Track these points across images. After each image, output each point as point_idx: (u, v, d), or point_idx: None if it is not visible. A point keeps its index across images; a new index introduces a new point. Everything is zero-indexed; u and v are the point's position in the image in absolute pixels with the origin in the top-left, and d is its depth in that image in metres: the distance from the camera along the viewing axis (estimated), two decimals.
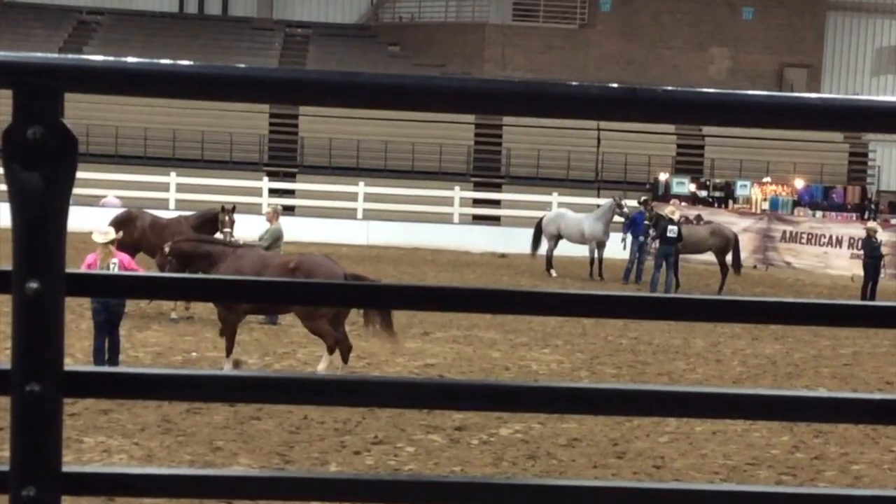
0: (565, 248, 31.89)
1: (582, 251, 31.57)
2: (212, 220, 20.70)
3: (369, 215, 41.03)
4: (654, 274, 27.43)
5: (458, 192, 42.44)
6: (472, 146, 45.71)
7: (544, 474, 11.03)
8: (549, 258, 31.11)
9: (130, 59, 2.10)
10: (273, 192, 41.40)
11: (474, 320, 20.20)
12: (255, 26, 52.11)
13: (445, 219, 41.79)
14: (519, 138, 44.71)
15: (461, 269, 31.66)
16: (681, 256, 28.36)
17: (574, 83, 2.11)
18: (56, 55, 2.07)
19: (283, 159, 44.92)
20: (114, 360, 14.27)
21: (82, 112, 36.46)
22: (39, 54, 2.07)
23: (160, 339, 17.07)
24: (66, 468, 2.04)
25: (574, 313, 2.37)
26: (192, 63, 2.13)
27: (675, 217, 28.38)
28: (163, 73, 2.12)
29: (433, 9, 52.87)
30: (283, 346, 17.46)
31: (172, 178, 40.59)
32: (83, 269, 13.95)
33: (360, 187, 41.61)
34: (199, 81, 2.13)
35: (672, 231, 27.16)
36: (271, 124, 45.22)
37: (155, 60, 2.11)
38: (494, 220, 42.75)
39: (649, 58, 50.07)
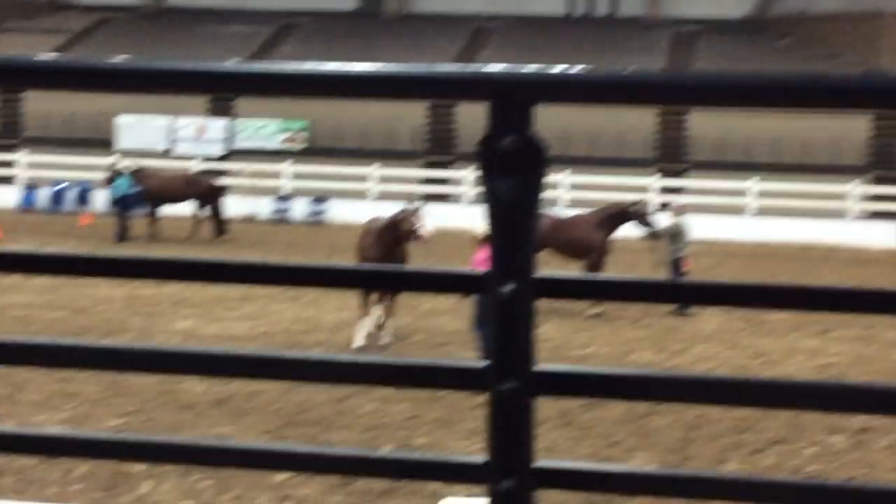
0: None
1: None
2: (615, 216, 20.77)
3: (761, 212, 40.11)
4: None
5: (854, 187, 40.73)
6: (870, 138, 43.72)
7: None
8: None
9: (598, 72, 2.16)
10: (663, 189, 41.26)
11: (876, 318, 19.33)
12: (643, 25, 52.04)
13: (841, 214, 40.22)
14: None
15: (858, 268, 30.36)
16: None
17: None
18: (531, 68, 2.16)
19: (672, 156, 44.65)
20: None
21: None
22: (512, 67, 2.16)
23: (557, 334, 17.37)
24: (538, 463, 2.13)
25: None
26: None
27: None
28: (625, 83, 2.18)
29: None
30: (677, 342, 17.37)
31: (565, 177, 41.22)
32: (474, 266, 14.54)
33: (752, 183, 40.74)
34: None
35: None
36: (659, 122, 45.05)
37: (621, 72, 2.17)
38: (894, 216, 40.70)
39: None
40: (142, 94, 2.42)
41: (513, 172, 2.11)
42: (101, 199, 37.74)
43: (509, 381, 2.10)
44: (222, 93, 2.30)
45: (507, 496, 2.07)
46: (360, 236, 16.59)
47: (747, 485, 2.19)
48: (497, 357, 2.12)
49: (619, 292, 2.37)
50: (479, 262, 14.73)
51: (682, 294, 2.40)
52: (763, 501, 2.14)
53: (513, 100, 2.13)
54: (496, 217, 2.13)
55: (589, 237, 20.40)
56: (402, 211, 16.31)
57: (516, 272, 2.11)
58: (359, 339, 15.82)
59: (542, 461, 2.12)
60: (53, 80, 2.46)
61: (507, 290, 2.11)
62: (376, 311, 16.09)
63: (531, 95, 2.14)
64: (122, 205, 30.58)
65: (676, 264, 20.56)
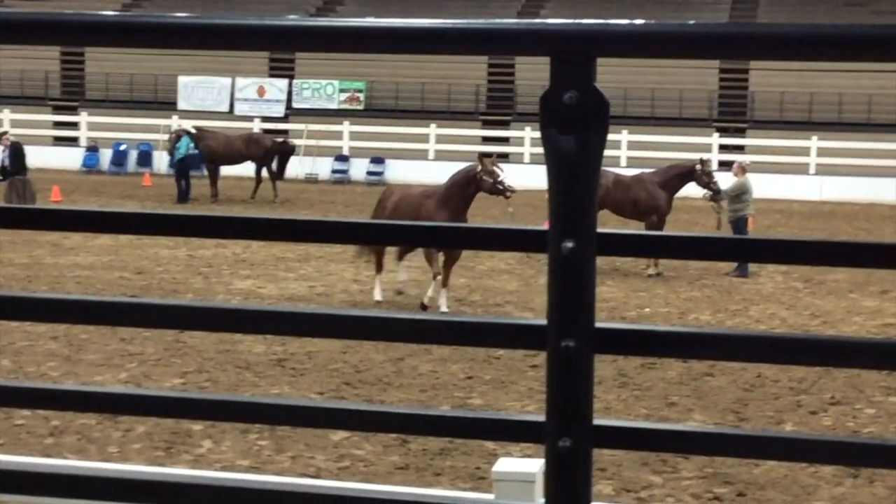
0: None
1: None
2: (679, 176, 20.56)
3: (822, 170, 39.64)
4: None
5: None
6: None
7: None
8: None
9: (658, 24, 2.12)
10: (723, 147, 40.86)
11: None
12: None
13: None
14: None
15: None
16: None
17: None
18: (591, 22, 2.12)
19: (733, 114, 44.16)
20: None
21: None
22: (573, 21, 2.13)
23: (614, 295, 17.32)
24: (597, 421, 2.11)
25: None
26: (702, 23, 2.13)
27: None
28: (688, 35, 2.14)
29: None
30: (735, 302, 17.26)
31: (623, 136, 40.94)
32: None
33: (813, 141, 40.24)
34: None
35: None
36: (721, 79, 44.54)
37: (681, 23, 2.13)
38: None
39: None
40: (203, 49, 2.40)
41: (574, 128, 2.08)
42: (162, 161, 38.02)
43: (569, 339, 2.08)
44: (283, 49, 2.29)
45: (565, 454, 2.05)
46: (392, 204, 16.27)
47: (799, 443, 2.16)
48: (557, 315, 2.10)
49: (680, 250, 2.34)
50: None
51: (741, 252, 2.37)
52: (816, 461, 2.12)
53: (573, 54, 2.10)
54: (557, 173, 2.10)
55: (652, 196, 20.21)
56: (475, 165, 16.00)
57: (577, 229, 2.09)
58: (377, 294, 16.14)
59: (599, 419, 2.10)
60: (115, 37, 2.44)
61: (567, 248, 2.08)
62: (402, 267, 16.31)
63: (592, 49, 2.11)
64: (184, 166, 30.76)
65: (739, 224, 20.36)
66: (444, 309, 15.36)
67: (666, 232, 2.14)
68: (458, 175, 16.01)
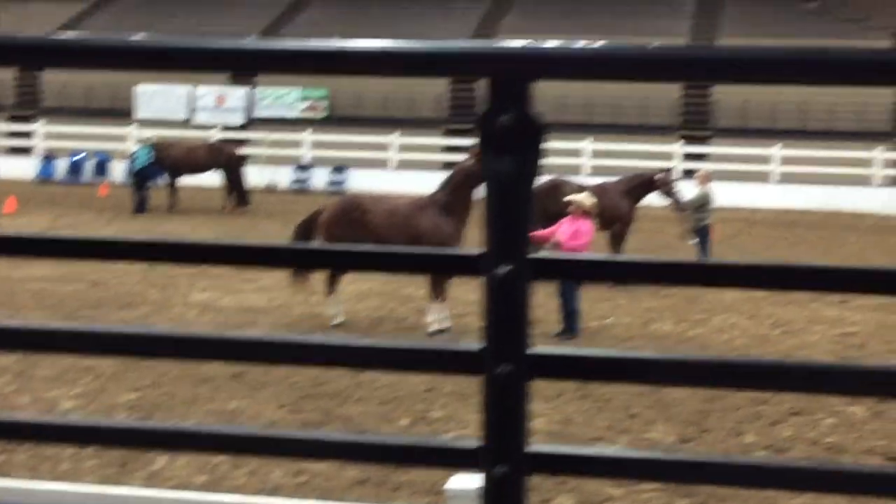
0: None
1: None
2: (642, 185, 20.66)
3: (786, 178, 39.89)
4: None
5: (879, 153, 40.43)
6: (894, 104, 43.37)
7: None
8: None
9: (596, 45, 2.10)
10: (687, 156, 41.04)
11: None
12: None
13: (866, 181, 39.97)
14: None
15: (884, 235, 30.18)
16: None
17: None
18: (526, 43, 2.09)
19: (696, 123, 44.39)
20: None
21: None
22: (510, 44, 2.10)
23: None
24: (532, 448, 2.08)
25: None
26: (638, 46, 2.10)
27: None
28: (625, 58, 2.11)
29: None
30: (697, 312, 17.30)
31: (587, 145, 41.04)
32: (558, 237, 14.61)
33: (777, 150, 40.49)
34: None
35: None
36: (684, 88, 44.78)
37: (619, 45, 2.10)
38: None
39: None
40: (159, 71, 2.38)
41: (509, 150, 2.06)
42: (119, 170, 37.75)
43: (504, 364, 2.05)
44: (233, 71, 2.27)
45: (500, 481, 2.02)
46: (372, 219, 15.17)
47: (740, 468, 2.14)
48: (492, 340, 2.06)
49: (616, 272, 2.31)
50: (562, 234, 14.71)
51: (679, 275, 2.34)
52: (755, 486, 2.10)
53: (510, 77, 2.07)
54: (492, 196, 2.07)
55: (615, 205, 20.26)
56: (471, 160, 14.91)
57: (511, 253, 2.06)
58: (338, 315, 15.32)
59: (535, 446, 2.07)
60: (68, 60, 2.41)
61: (502, 271, 2.05)
62: (332, 299, 15.37)
63: (528, 72, 2.08)
64: (141, 176, 30.54)
65: (702, 233, 20.46)
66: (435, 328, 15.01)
67: (600, 255, 2.11)
68: (457, 176, 14.89)
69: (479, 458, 2.07)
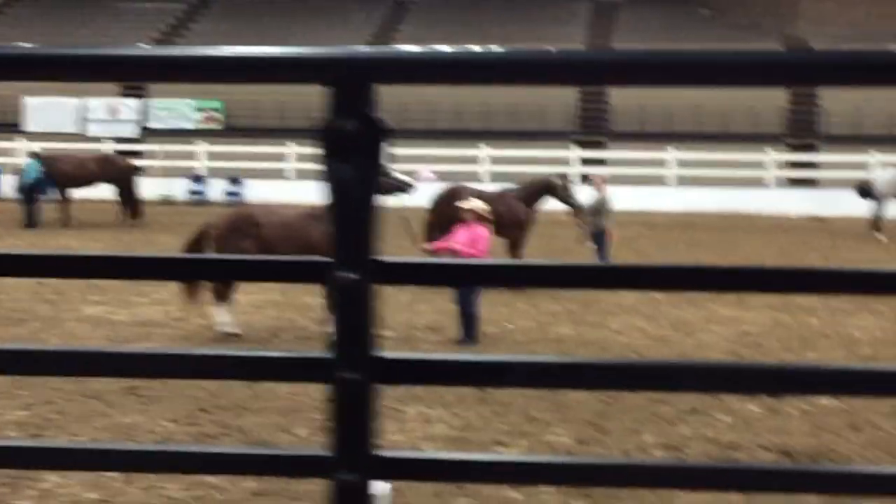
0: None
1: None
2: (539, 191, 20.83)
3: (682, 181, 40.46)
4: None
5: (772, 155, 41.22)
6: (786, 108, 44.27)
7: (869, 446, 10.55)
8: (879, 220, 30.35)
9: (440, 49, 2.10)
10: (584, 161, 41.43)
11: None
12: None
13: (759, 183, 40.71)
14: (837, 97, 42.96)
15: (777, 235, 30.75)
16: None
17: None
18: (366, 48, 2.09)
19: (593, 128, 44.85)
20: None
21: (398, 89, 37.53)
22: (350, 48, 2.10)
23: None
24: (380, 452, 2.07)
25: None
26: (500, 50, 2.11)
27: None
28: (474, 61, 2.12)
29: None
30: (596, 314, 17.45)
31: (484, 151, 41.23)
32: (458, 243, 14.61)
33: (672, 153, 41.07)
34: (510, 67, 2.12)
35: None
36: (581, 93, 45.21)
37: (464, 48, 2.11)
38: (811, 183, 41.31)
39: None
40: (49, 81, 2.32)
41: (351, 157, 2.05)
42: (7, 184, 37.02)
43: (351, 371, 2.04)
44: (118, 80, 2.23)
45: (347, 489, 2.01)
46: (277, 233, 15.08)
47: (599, 468, 2.15)
48: (337, 346, 2.05)
49: (465, 276, 2.32)
50: (459, 242, 14.71)
51: (544, 277, 2.35)
52: (608, 484, 2.11)
53: (351, 82, 2.07)
54: (334, 202, 2.06)
55: (513, 212, 20.37)
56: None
57: (355, 259, 2.05)
58: (230, 325, 15.12)
59: (383, 451, 2.06)
60: None
61: (346, 278, 2.04)
62: (223, 308, 15.14)
63: (369, 77, 2.08)
64: (30, 189, 29.95)
65: (600, 237, 20.67)
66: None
67: (448, 259, 2.11)
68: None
69: (329, 467, 2.06)
